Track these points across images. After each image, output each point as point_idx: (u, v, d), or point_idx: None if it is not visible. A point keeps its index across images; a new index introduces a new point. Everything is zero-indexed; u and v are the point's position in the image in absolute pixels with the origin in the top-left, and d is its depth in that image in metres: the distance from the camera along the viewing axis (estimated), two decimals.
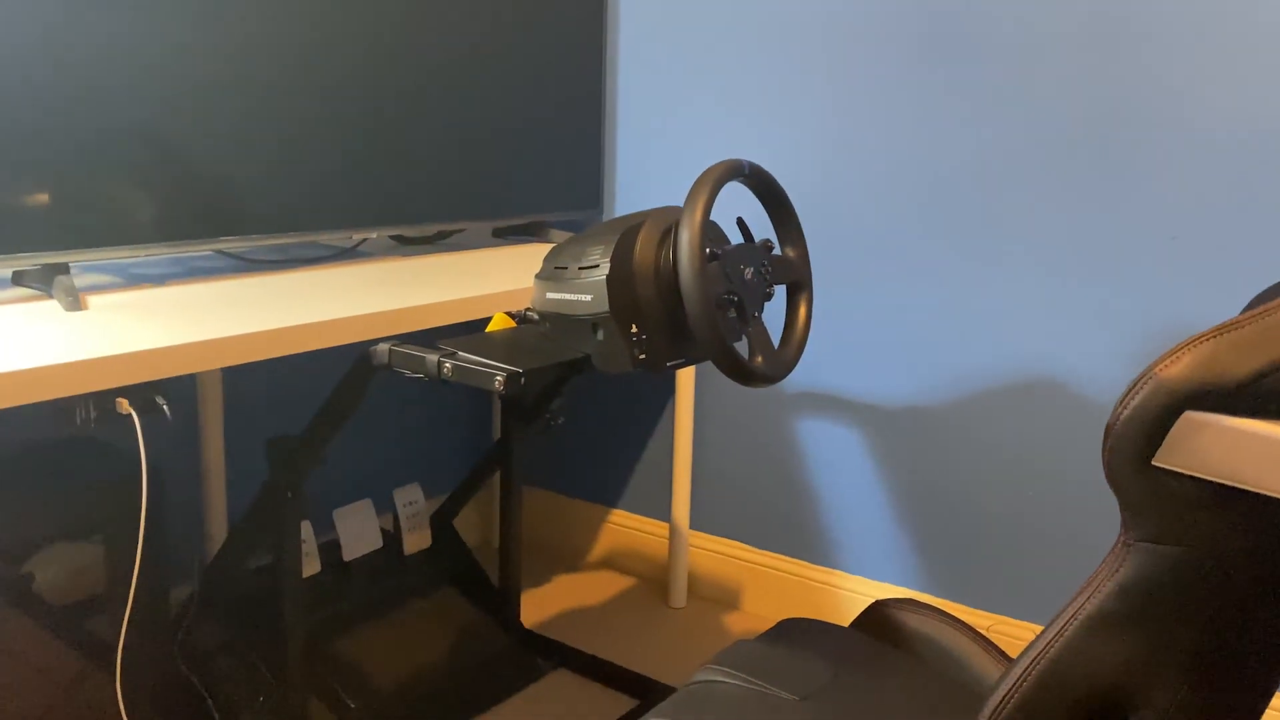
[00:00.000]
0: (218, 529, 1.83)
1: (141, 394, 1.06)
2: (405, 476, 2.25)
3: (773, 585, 2.14)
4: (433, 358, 1.24)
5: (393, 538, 1.89)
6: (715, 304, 1.18)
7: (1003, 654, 1.16)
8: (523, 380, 1.20)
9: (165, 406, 1.06)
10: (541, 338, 1.35)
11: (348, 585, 1.78)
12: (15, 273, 1.39)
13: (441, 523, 1.97)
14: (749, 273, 1.26)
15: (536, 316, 1.37)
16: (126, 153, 1.39)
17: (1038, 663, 0.76)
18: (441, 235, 2.04)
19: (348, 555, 1.79)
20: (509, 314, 1.43)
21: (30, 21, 1.27)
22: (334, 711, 1.62)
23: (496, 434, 2.40)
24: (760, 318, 1.29)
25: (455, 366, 1.23)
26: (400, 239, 1.96)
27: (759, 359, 1.26)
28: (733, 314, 1.27)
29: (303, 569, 1.56)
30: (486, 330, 1.39)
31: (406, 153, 1.77)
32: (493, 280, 1.60)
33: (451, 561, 1.96)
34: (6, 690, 1.43)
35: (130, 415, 1.05)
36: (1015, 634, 1.89)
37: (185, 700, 1.66)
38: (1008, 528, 1.88)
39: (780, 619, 1.96)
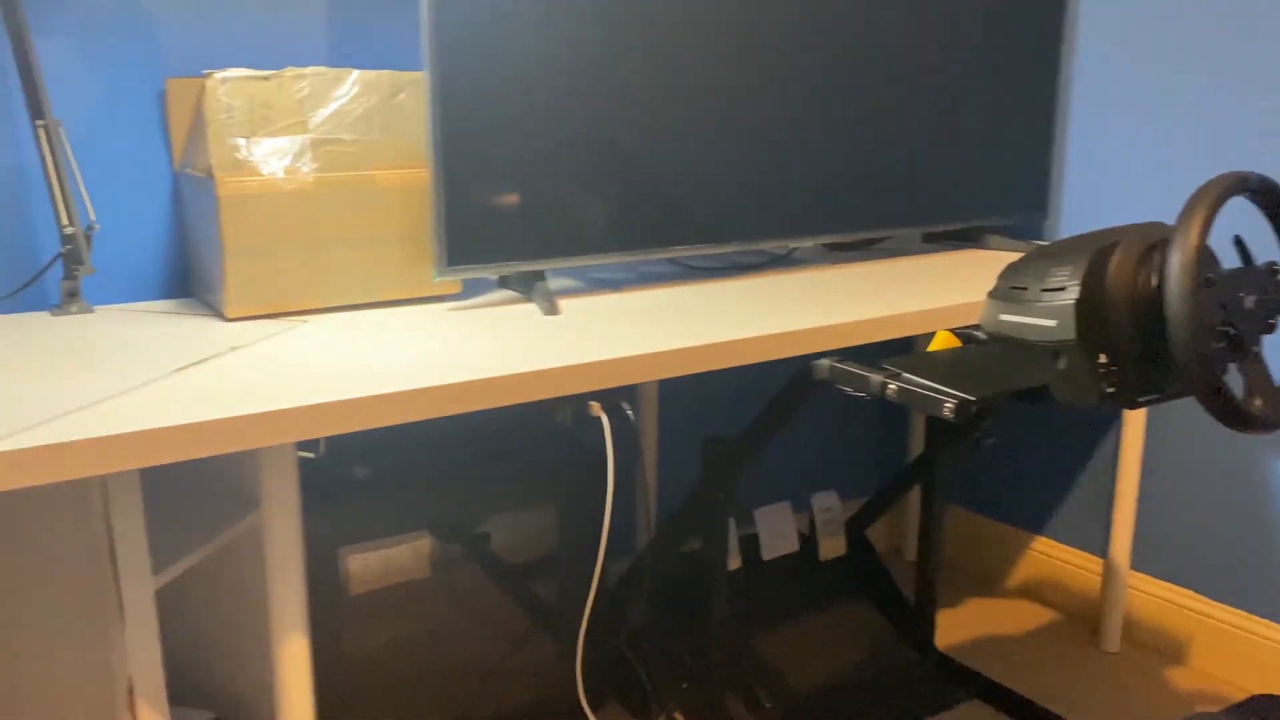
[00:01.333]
0: (648, 516, 1.94)
1: (610, 398, 1.15)
2: (823, 482, 2.25)
3: (1226, 643, 1.88)
4: (877, 378, 1.22)
5: (809, 541, 1.90)
6: (1208, 335, 1.05)
7: None
8: (974, 409, 1.14)
9: (630, 412, 1.14)
10: (990, 361, 1.27)
11: (765, 584, 1.82)
12: (501, 277, 1.57)
13: (856, 532, 1.96)
14: (1250, 301, 1.10)
15: (984, 337, 1.29)
16: (591, 171, 1.50)
17: None
18: (871, 241, 2.01)
19: (766, 555, 1.83)
20: (953, 332, 1.37)
21: (518, 52, 1.41)
22: (750, 708, 1.67)
23: (915, 446, 2.33)
24: (1259, 353, 1.13)
25: (900, 389, 1.19)
26: (831, 246, 1.96)
27: (1257, 401, 1.10)
28: (1221, 345, 1.12)
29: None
30: (929, 349, 1.34)
31: (841, 159, 1.75)
32: (931, 293, 1.54)
33: (865, 572, 1.94)
34: (461, 637, 1.62)
35: (600, 417, 1.14)
36: None
37: (619, 673, 1.79)
38: None
39: (1243, 689, 1.73)
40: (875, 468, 2.36)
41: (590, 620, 1.71)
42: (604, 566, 1.74)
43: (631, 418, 1.16)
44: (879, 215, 1.83)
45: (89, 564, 1.05)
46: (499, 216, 1.43)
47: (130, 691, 1.07)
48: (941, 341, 1.35)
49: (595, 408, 1.17)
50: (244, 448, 0.95)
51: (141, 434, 0.90)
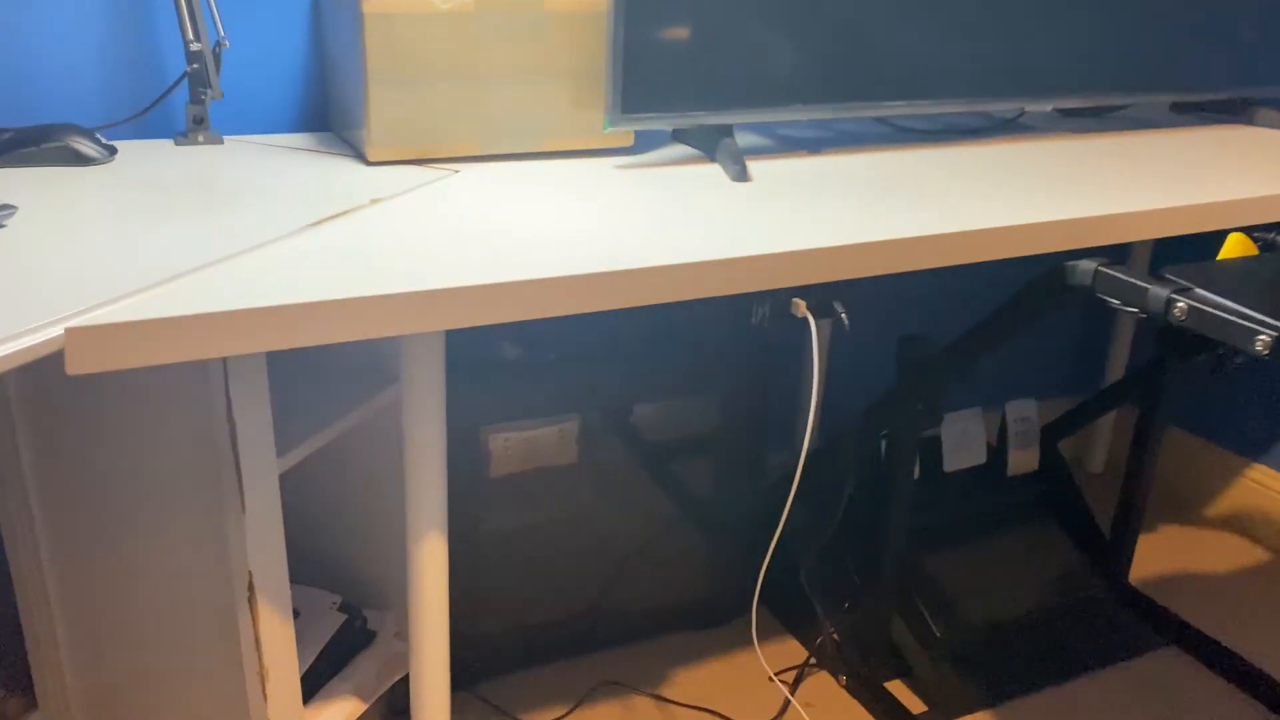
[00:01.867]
0: (816, 416, 1.74)
1: (820, 295, 0.93)
2: (1018, 389, 1.98)
3: None
4: (1159, 292, 0.96)
5: (997, 454, 1.67)
6: None
7: None
8: None
9: (844, 315, 0.92)
10: None
11: (945, 498, 1.61)
12: (677, 130, 1.34)
13: (1049, 445, 1.71)
14: None
15: None
16: (790, 8, 1.24)
17: None
18: (1110, 108, 1.68)
19: (948, 465, 1.61)
20: (1250, 235, 1.09)
21: None
22: (916, 635, 1.49)
23: (1118, 350, 2.04)
24: None
25: (1192, 309, 0.94)
26: (1064, 111, 1.65)
27: None
28: None
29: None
30: (1219, 257, 1.07)
31: (1083, 7, 1.43)
32: (1200, 180, 1.24)
33: (1057, 492, 1.70)
34: (605, 525, 1.48)
35: (806, 318, 0.92)
36: None
37: (774, 579, 1.64)
38: None
39: None
40: (1071, 372, 2.09)
41: (762, 523, 1.55)
42: (766, 463, 1.56)
43: (845, 321, 0.94)
44: (1125, 78, 1.51)
45: (207, 448, 0.91)
46: (683, 58, 1.19)
47: (250, 587, 0.95)
48: (1235, 247, 1.07)
49: (801, 306, 0.95)
50: (389, 334, 0.78)
51: (270, 311, 0.73)
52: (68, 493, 1.07)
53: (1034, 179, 1.21)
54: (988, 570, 1.60)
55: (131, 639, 1.10)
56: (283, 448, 0.97)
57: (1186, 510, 2.01)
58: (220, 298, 0.73)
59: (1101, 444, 2.13)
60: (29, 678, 1.15)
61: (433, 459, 1.01)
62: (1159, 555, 1.86)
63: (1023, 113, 1.59)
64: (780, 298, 0.97)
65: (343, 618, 1.21)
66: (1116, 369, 2.06)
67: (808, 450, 0.96)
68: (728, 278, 0.88)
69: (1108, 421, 2.12)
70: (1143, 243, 1.86)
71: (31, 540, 1.09)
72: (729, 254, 0.88)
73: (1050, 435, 1.72)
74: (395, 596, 1.25)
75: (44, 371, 1.02)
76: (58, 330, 0.68)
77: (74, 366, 0.69)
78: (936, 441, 1.59)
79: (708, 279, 0.88)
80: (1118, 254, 1.00)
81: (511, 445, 1.37)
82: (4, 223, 0.88)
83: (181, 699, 1.09)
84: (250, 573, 0.94)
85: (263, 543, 0.95)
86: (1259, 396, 1.88)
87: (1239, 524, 1.95)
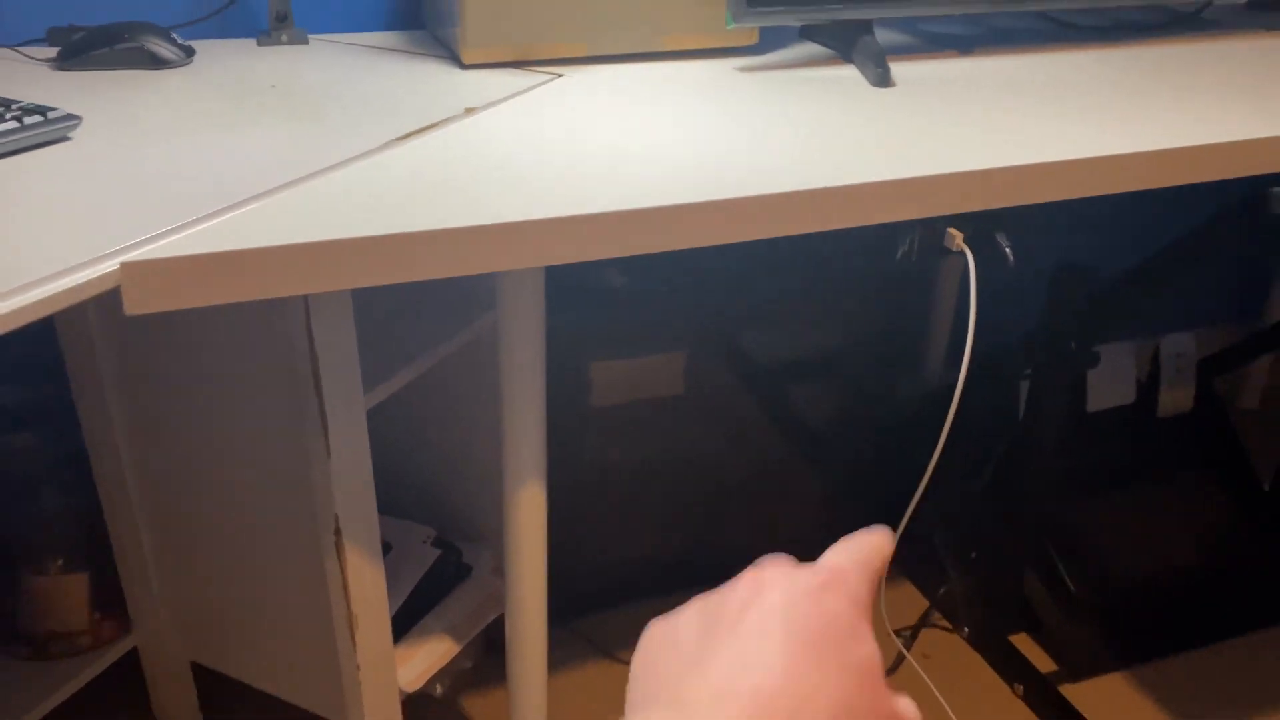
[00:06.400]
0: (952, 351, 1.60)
1: (979, 225, 0.79)
2: (1173, 321, 1.80)
3: None
4: None
5: (1148, 392, 1.51)
6: None
7: None
8: None
9: (1008, 249, 0.78)
10: None
11: (1088, 441, 1.47)
12: (805, 27, 1.18)
13: (1204, 383, 1.55)
14: None
15: None
16: None
17: None
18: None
19: (1092, 405, 1.46)
20: None
21: None
22: (1050, 589, 1.37)
23: None
24: None
25: None
26: (1255, 3, 1.43)
27: None
28: None
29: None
30: None
31: None
32: None
33: (1212, 436, 1.54)
34: (712, 459, 1.38)
35: (963, 252, 0.79)
36: None
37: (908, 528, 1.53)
38: None
39: None
40: (1231, 301, 1.88)
41: (888, 460, 1.43)
42: (894, 399, 1.44)
43: (1010, 256, 0.80)
44: None
45: (288, 386, 0.84)
46: None
47: (336, 531, 0.88)
48: None
49: (957, 238, 0.82)
50: (485, 270, 0.68)
51: (350, 243, 0.63)
52: (152, 422, 1.02)
53: (1227, 87, 1.03)
54: (1132, 521, 1.46)
55: (221, 572, 1.06)
56: (370, 383, 0.89)
57: None
58: (295, 228, 0.64)
59: (1258, 376, 1.94)
60: (124, 601, 1.12)
61: (532, 391, 0.92)
62: None
63: (1209, 3, 1.38)
64: (932, 227, 0.84)
65: (437, 553, 1.15)
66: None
67: (961, 388, 0.85)
68: (876, 203, 0.75)
69: (1266, 358, 1.92)
70: None
71: (118, 470, 1.05)
72: (884, 176, 0.75)
73: (1206, 372, 1.55)
74: (492, 531, 1.18)
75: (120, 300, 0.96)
76: (115, 264, 0.60)
77: (132, 306, 0.61)
78: (1081, 378, 1.44)
79: (852, 206, 0.75)
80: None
81: (615, 374, 1.27)
82: (68, 135, 0.80)
83: (272, 634, 1.05)
84: (337, 516, 0.88)
85: (349, 486, 0.87)
86: None
87: None
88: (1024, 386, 1.29)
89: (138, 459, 1.05)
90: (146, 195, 0.69)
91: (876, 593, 0.33)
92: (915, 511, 1.18)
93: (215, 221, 0.65)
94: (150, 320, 0.93)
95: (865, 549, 0.34)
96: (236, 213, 0.67)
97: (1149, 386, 1.51)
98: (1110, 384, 1.46)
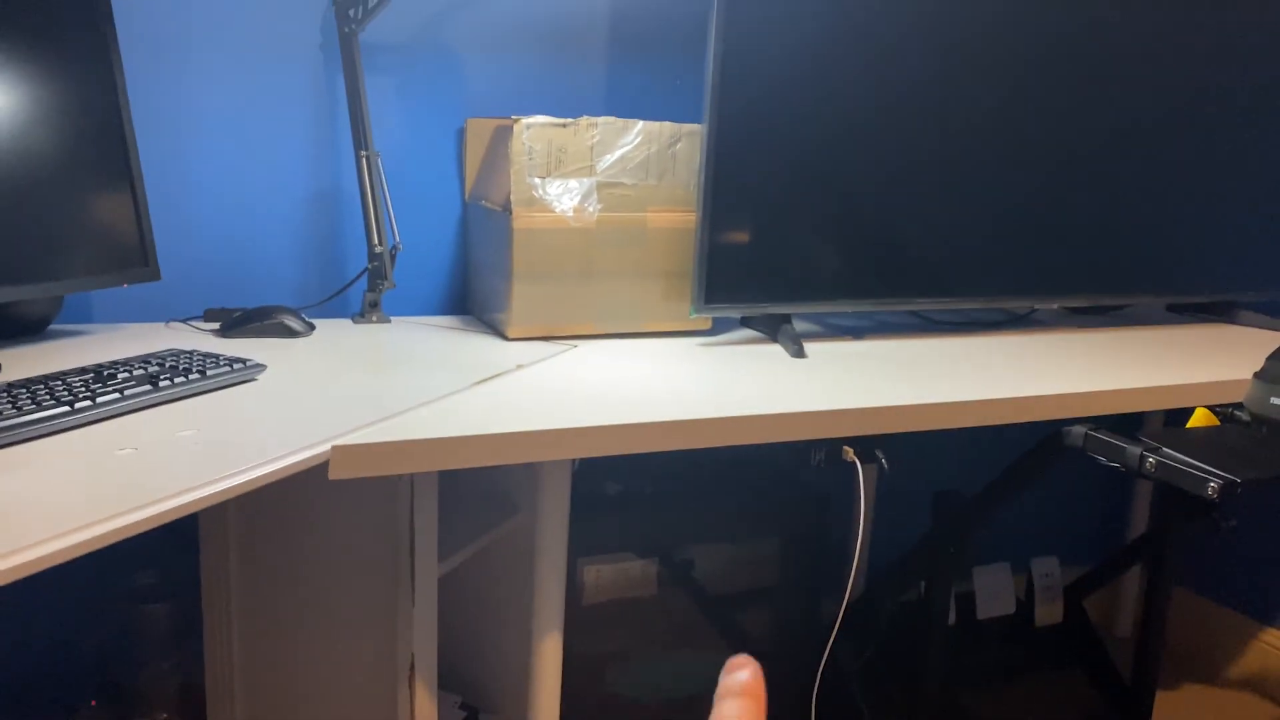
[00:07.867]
0: (862, 563, 1.97)
1: (864, 444, 1.20)
2: (1042, 546, 2.21)
3: None
4: (1134, 450, 1.22)
5: (1025, 606, 1.88)
6: None
7: None
8: (1239, 490, 1.13)
9: (884, 460, 1.18)
10: (1254, 442, 1.25)
11: (979, 643, 1.81)
12: (745, 317, 1.65)
13: (1073, 601, 1.92)
14: None
15: (1248, 418, 1.27)
16: (838, 224, 1.56)
17: None
18: (1112, 307, 1.98)
19: (981, 613, 1.82)
20: (1213, 410, 1.35)
21: (783, 116, 1.49)
22: None
23: (1138, 518, 2.26)
24: None
25: (1159, 463, 1.19)
26: (1071, 309, 1.94)
27: None
28: None
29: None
30: (1188, 425, 1.33)
31: (1089, 223, 1.75)
32: (1183, 367, 1.51)
33: (1082, 644, 1.90)
34: (676, 657, 1.69)
35: (854, 463, 1.19)
36: None
37: (834, 707, 1.82)
38: None
39: None
40: (1095, 536, 2.30)
41: (802, 653, 1.75)
42: (819, 606, 1.78)
43: (885, 466, 1.20)
44: (1125, 281, 1.81)
45: (391, 549, 1.19)
46: (752, 261, 1.51)
47: (411, 668, 1.20)
48: (1201, 419, 1.33)
49: (849, 453, 1.22)
50: (543, 459, 1.06)
51: (471, 439, 1.02)
52: (262, 601, 1.34)
53: (1039, 363, 1.49)
54: (1019, 713, 1.77)
55: (302, 710, 1.34)
56: (441, 555, 1.24)
57: (1208, 671, 2.17)
58: (437, 428, 1.02)
59: (1127, 609, 2.31)
60: None
61: (557, 578, 1.27)
62: (1182, 712, 2.02)
63: (1034, 310, 1.89)
64: (833, 446, 1.24)
65: (463, 715, 1.44)
66: (1136, 534, 2.26)
67: (850, 595, 1.20)
68: (796, 426, 1.16)
69: (1133, 589, 2.31)
70: (1155, 413, 2.11)
71: (228, 639, 1.35)
72: (795, 409, 1.16)
73: (1074, 591, 1.93)
74: (507, 701, 1.47)
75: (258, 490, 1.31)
76: (323, 448, 0.98)
77: (336, 473, 0.97)
78: (971, 594, 1.81)
79: (781, 426, 1.16)
80: (1131, 424, 1.26)
81: (603, 575, 1.62)
82: (255, 377, 1.19)
83: None
84: (413, 654, 1.19)
85: (424, 632, 1.20)
86: (1271, 565, 2.08)
87: (1258, 685, 2.10)
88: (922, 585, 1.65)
89: (244, 630, 1.36)
90: (327, 410, 1.08)
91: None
92: (843, 699, 1.49)
93: (378, 425, 1.03)
94: (276, 506, 1.29)
95: (746, 687, 0.40)
96: (388, 423, 1.05)
97: (1026, 601, 1.87)
98: (994, 597, 1.82)
